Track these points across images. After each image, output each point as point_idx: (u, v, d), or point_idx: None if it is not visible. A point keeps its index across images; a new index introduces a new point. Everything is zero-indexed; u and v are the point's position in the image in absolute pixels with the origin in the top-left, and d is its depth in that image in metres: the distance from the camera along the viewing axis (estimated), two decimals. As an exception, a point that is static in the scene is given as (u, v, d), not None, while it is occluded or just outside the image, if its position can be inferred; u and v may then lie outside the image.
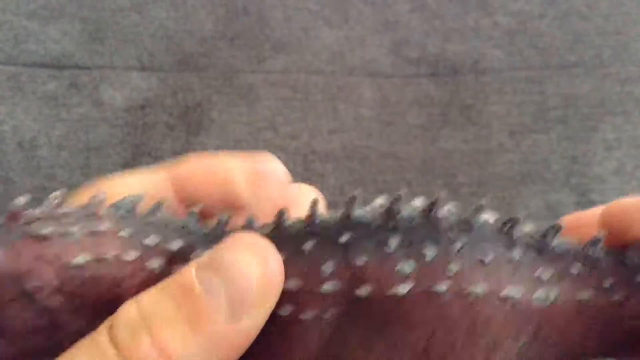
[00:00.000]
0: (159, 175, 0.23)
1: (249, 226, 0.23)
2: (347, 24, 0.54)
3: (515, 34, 0.54)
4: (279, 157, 0.54)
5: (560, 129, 0.54)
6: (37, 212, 0.20)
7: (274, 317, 0.22)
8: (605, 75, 0.54)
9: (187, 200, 0.24)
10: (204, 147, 0.26)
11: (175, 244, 0.22)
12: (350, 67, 0.55)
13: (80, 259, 0.20)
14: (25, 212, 0.20)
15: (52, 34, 0.54)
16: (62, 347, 0.19)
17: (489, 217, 0.23)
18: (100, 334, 0.18)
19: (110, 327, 0.18)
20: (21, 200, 0.20)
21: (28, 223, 0.20)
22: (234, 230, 0.23)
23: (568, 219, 0.26)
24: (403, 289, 0.22)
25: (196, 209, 0.23)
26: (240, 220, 0.23)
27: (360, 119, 0.55)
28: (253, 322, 0.20)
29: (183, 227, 0.22)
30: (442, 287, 0.22)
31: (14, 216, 0.20)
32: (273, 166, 0.25)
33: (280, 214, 0.23)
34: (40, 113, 0.52)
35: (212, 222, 0.23)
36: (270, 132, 0.55)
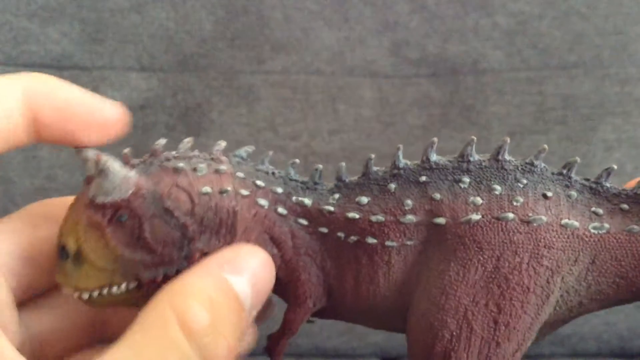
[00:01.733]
0: (14, 87, 0.24)
1: (340, 178, 0.27)
2: (347, 24, 0.54)
3: (515, 34, 0.54)
4: (279, 158, 0.54)
5: (560, 129, 0.55)
6: (173, 152, 0.25)
7: (362, 246, 0.26)
8: (604, 76, 0.54)
9: (30, 113, 0.25)
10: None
11: (279, 189, 0.27)
12: (350, 68, 0.55)
13: (207, 188, 0.25)
14: (163, 152, 0.25)
15: (52, 35, 0.55)
16: (188, 260, 0.24)
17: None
18: (175, 332, 0.21)
19: (190, 330, 0.21)
20: (161, 141, 0.25)
21: (167, 159, 0.25)
22: (327, 184, 0.28)
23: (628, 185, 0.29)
24: (475, 216, 0.26)
25: (297, 161, 0.28)
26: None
27: (360, 120, 0.55)
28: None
29: (284, 177, 0.27)
30: (509, 215, 0.26)
31: (154, 153, 0.25)
32: (112, 115, 0.26)
33: (368, 162, 0.27)
34: (40, 114, 0.52)
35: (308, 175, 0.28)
36: (270, 132, 0.55)
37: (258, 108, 0.54)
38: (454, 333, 0.25)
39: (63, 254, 0.24)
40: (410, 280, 0.26)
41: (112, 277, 0.24)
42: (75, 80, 0.25)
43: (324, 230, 0.27)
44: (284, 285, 0.27)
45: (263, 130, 0.54)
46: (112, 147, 0.25)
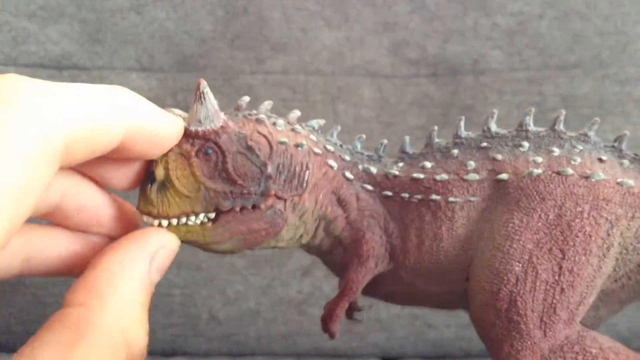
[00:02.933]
0: (117, 103, 0.23)
1: (403, 150, 0.29)
2: (347, 24, 0.54)
3: (515, 34, 0.54)
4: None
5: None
6: (254, 110, 0.28)
7: (426, 204, 0.28)
8: (604, 76, 0.54)
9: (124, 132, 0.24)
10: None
11: (347, 157, 0.29)
12: (349, 68, 0.55)
13: (284, 139, 0.27)
14: (246, 108, 0.28)
15: (51, 35, 0.54)
16: (264, 196, 0.26)
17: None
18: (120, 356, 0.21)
19: (131, 354, 0.21)
20: (245, 99, 0.28)
21: (249, 114, 0.27)
22: (387, 157, 0.30)
23: None
24: (536, 170, 0.27)
25: (363, 136, 0.30)
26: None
27: (360, 120, 0.54)
28: None
29: (350, 149, 0.30)
30: (569, 170, 0.27)
31: (239, 107, 0.27)
32: (178, 130, 0.26)
33: (431, 134, 0.29)
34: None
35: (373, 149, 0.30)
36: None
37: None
38: (519, 277, 0.26)
39: (150, 180, 0.26)
40: (472, 235, 0.28)
41: (193, 205, 0.26)
42: (74, 80, 0.25)
43: (388, 193, 0.28)
44: (347, 246, 0.29)
45: (263, 131, 0.54)
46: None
